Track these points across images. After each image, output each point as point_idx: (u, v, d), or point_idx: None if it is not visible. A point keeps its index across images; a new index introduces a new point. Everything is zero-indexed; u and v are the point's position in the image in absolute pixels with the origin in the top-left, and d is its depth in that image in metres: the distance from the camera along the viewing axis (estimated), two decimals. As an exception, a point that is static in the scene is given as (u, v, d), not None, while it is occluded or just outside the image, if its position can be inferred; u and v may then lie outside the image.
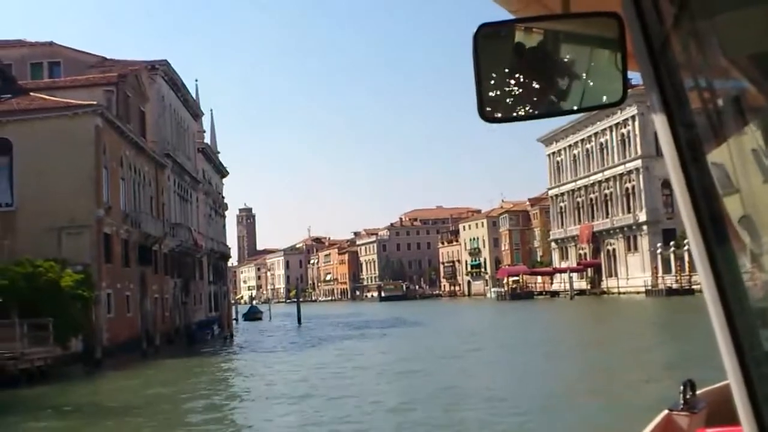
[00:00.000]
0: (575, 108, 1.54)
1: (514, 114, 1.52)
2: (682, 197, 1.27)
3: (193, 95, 66.49)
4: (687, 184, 1.26)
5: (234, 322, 65.46)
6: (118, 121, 41.06)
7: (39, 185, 35.80)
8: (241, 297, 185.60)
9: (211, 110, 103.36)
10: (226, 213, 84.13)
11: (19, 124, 36.81)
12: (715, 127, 1.33)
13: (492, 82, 1.53)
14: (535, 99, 1.51)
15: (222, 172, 79.99)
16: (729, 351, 1.22)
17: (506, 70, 1.53)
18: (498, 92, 1.52)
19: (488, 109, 1.52)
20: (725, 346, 1.22)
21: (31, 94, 39.16)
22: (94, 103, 37.98)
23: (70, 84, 41.77)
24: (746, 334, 1.23)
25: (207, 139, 73.68)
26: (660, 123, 1.28)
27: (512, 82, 1.52)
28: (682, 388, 4.12)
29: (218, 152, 77.55)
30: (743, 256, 1.34)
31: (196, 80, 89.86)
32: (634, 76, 1.54)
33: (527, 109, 1.51)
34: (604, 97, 1.53)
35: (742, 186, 1.34)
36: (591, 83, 1.52)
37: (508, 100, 1.51)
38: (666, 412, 4.13)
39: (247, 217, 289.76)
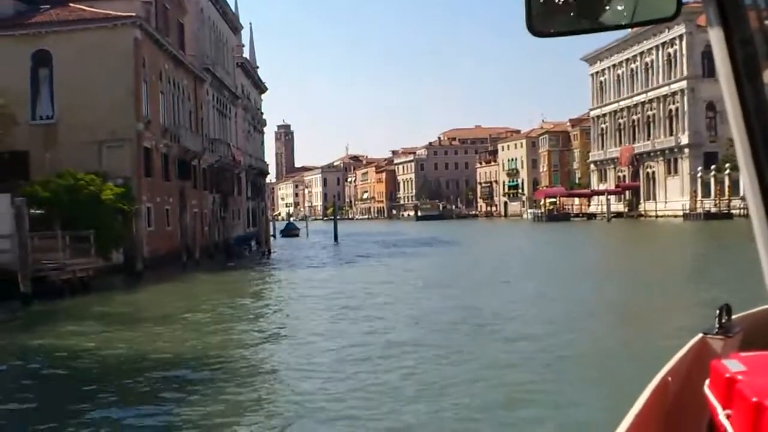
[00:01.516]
0: (626, 22, 1.47)
1: (563, 28, 1.46)
2: (734, 116, 1.22)
3: (232, 8, 65.89)
4: (741, 103, 1.22)
5: (272, 237, 66.21)
6: (157, 34, 40.93)
7: (79, 98, 36.04)
8: (279, 213, 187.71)
9: (251, 24, 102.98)
10: (265, 129, 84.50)
11: (58, 35, 36.88)
12: None
13: None
14: (585, 12, 1.43)
15: (261, 87, 79.84)
16: None
17: None
18: (547, 5, 1.44)
19: (536, 22, 1.45)
20: None
21: (70, 4, 39.01)
22: (133, 14, 37.79)
23: (109, -5, 41.51)
24: None
25: (246, 54, 73.31)
26: (716, 38, 1.22)
27: None
28: (717, 312, 4.08)
29: (257, 67, 77.25)
30: None
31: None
32: None
33: (577, 22, 1.44)
34: (657, 12, 1.44)
35: None
36: None
37: (557, 13, 1.44)
38: (700, 335, 4.09)
39: (286, 134, 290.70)
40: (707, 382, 3.03)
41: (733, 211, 64.45)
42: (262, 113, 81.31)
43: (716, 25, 1.22)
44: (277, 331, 19.07)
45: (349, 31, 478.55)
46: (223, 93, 58.76)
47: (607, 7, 1.42)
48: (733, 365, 2.88)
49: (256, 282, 34.47)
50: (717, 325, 3.96)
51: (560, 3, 1.43)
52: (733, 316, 4.13)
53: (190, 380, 13.30)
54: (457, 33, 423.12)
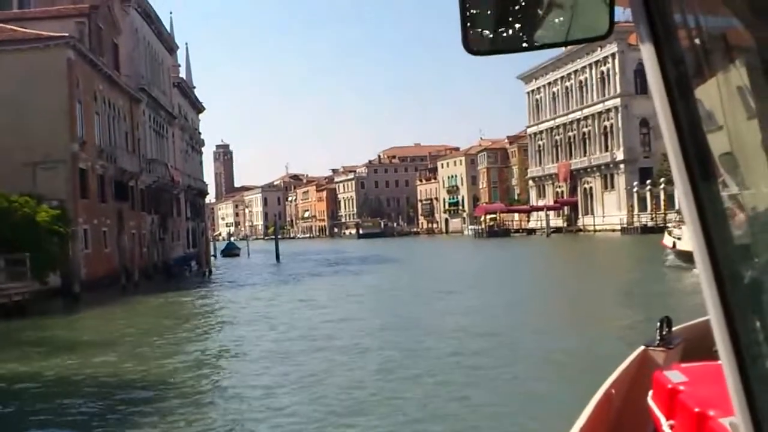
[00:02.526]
0: (561, 40, 1.50)
1: (499, 46, 1.48)
2: (668, 133, 1.25)
3: (168, 28, 65.23)
4: (674, 119, 1.25)
5: (212, 258, 65.48)
6: (91, 54, 40.32)
7: (11, 119, 35.26)
8: (219, 234, 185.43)
9: (186, 44, 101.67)
10: (203, 149, 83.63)
11: (-11, 56, 36.00)
12: (703, 64, 1.32)
13: (476, 11, 1.49)
14: (520, 31, 1.46)
15: (198, 107, 79.08)
16: (710, 285, 1.22)
17: (491, 1, 1.50)
18: (483, 23, 1.48)
19: (472, 40, 1.48)
20: (706, 279, 1.22)
21: (1, 25, 38.17)
22: (66, 35, 37.18)
23: (41, 15, 40.85)
24: (728, 268, 1.24)
25: (182, 74, 72.60)
26: (648, 58, 1.26)
27: (497, 13, 1.49)
28: (658, 324, 4.18)
29: (194, 87, 76.51)
30: (726, 192, 1.34)
31: (171, 13, 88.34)
32: (617, 11, 1.52)
33: (512, 41, 1.47)
34: (590, 31, 1.48)
35: (727, 123, 1.34)
36: (577, 16, 1.49)
37: (492, 32, 1.47)
38: (642, 348, 4.19)
39: (224, 154, 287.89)
40: (650, 393, 3.14)
41: (669, 225, 66.04)
42: (200, 133, 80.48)
43: (648, 44, 1.25)
44: (216, 354, 18.90)
45: (285, 50, 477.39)
46: (159, 113, 58.02)
47: (542, 26, 1.46)
48: (674, 376, 2.99)
49: (196, 304, 34.02)
50: (658, 337, 4.07)
51: (496, 21, 1.46)
52: (674, 328, 4.26)
53: (128, 404, 13.09)
54: (394, 51, 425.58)
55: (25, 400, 13.92)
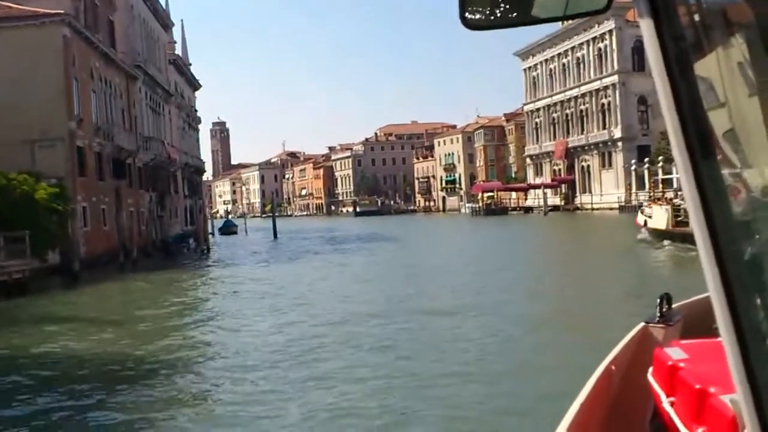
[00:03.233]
0: (559, 15, 1.50)
1: (497, 21, 1.47)
2: (668, 110, 1.24)
3: (163, 5, 64.80)
4: (674, 97, 1.24)
5: (210, 236, 65.47)
6: (87, 31, 40.11)
7: (8, 97, 35.11)
8: (217, 211, 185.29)
9: (182, 21, 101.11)
10: (200, 127, 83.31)
11: (-15, 33, 35.77)
12: (703, 40, 1.31)
13: None
14: (518, 5, 1.48)
15: (194, 84, 78.72)
16: (710, 262, 1.23)
17: None
18: None
19: (469, 15, 1.48)
20: (706, 257, 1.23)
21: (-3, 2, 37.89)
22: (62, 12, 36.94)
23: (37, -8, 40.43)
24: (728, 245, 1.24)
25: (178, 51, 72.21)
26: (648, 33, 1.24)
27: None
28: (658, 301, 4.18)
29: (190, 64, 76.13)
30: (727, 170, 1.33)
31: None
32: None
33: (510, 15, 1.47)
34: (588, 5, 1.50)
35: (728, 99, 1.34)
36: None
37: (490, 6, 1.47)
38: (642, 324, 4.20)
39: (221, 131, 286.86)
40: (650, 370, 3.16)
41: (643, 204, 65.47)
42: (196, 111, 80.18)
43: (647, 19, 1.23)
44: (215, 330, 18.94)
45: (282, 27, 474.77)
46: (156, 91, 57.77)
47: (540, 1, 1.47)
48: (675, 353, 3.01)
49: (194, 281, 34.08)
50: (658, 314, 4.09)
51: None
52: (674, 305, 4.27)
53: (127, 380, 13.16)
54: (391, 28, 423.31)
55: (26, 375, 13.99)
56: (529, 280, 25.90)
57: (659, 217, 38.05)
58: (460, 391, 11.12)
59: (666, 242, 35.41)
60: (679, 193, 38.41)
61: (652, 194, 41.64)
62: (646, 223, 39.37)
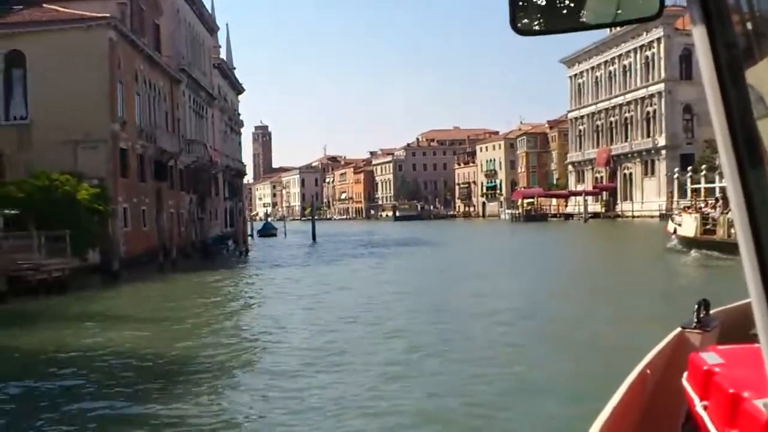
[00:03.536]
0: (609, 21, 1.51)
1: (546, 26, 1.49)
2: (717, 118, 1.24)
3: (209, 9, 65.61)
4: (724, 104, 1.23)
5: (249, 238, 66.07)
6: (132, 35, 40.74)
7: (54, 99, 35.81)
8: (256, 214, 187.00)
9: (227, 25, 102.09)
10: (242, 130, 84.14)
11: (32, 35, 36.58)
12: (755, 48, 1.30)
13: None
14: (568, 11, 1.47)
15: (238, 88, 79.54)
16: (753, 269, 1.22)
17: None
18: (531, 3, 1.49)
19: (520, 20, 1.49)
20: (749, 264, 1.22)
21: (44, 5, 38.70)
22: (108, 15, 37.58)
23: (84, -5, 41.22)
24: None
25: (222, 55, 73.00)
26: (700, 40, 1.23)
27: None
28: (696, 306, 4.18)
29: (234, 68, 76.92)
30: None
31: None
32: None
33: (560, 21, 1.48)
34: (639, 11, 1.49)
35: None
36: None
37: (540, 12, 1.48)
38: (679, 329, 4.19)
39: (263, 135, 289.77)
40: (685, 374, 3.13)
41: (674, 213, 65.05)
42: (239, 114, 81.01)
43: (700, 25, 1.23)
44: (251, 332, 19.09)
45: (325, 32, 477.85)
46: (199, 94, 58.51)
47: (590, 6, 1.46)
48: (710, 358, 2.97)
49: (233, 282, 34.40)
50: (695, 320, 4.07)
51: (544, 2, 1.47)
52: (711, 311, 4.24)
53: (165, 378, 13.30)
54: (436, 34, 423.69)
55: (66, 372, 14.23)
56: (560, 283, 26.86)
57: (688, 226, 38.61)
58: (489, 389, 11.06)
59: (693, 250, 35.93)
60: (710, 201, 39.22)
61: (693, 202, 41.51)
62: (675, 231, 40.24)
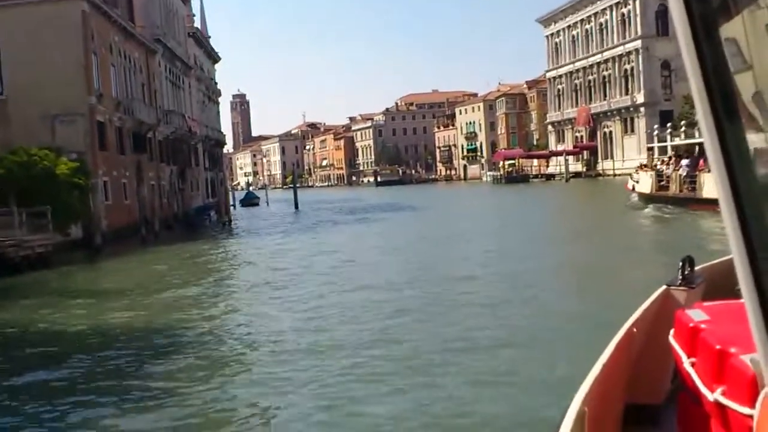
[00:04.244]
0: None
1: None
2: (693, 74, 1.24)
3: (181, -23, 64.57)
4: (699, 61, 1.23)
5: (231, 208, 65.84)
6: (105, 6, 40.09)
7: (29, 74, 35.33)
8: (238, 183, 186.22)
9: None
10: (220, 99, 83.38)
11: (3, 10, 35.90)
12: (729, 2, 1.30)
13: None
14: None
15: (214, 57, 78.66)
16: (733, 224, 1.23)
17: None
18: None
19: None
20: (730, 220, 1.24)
21: (13, -22, 37.91)
22: (80, -14, 36.90)
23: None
24: (751, 209, 1.24)
25: (197, 24, 72.06)
26: None
27: None
28: (680, 263, 4.20)
29: (209, 37, 76.01)
30: (752, 133, 1.33)
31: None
32: None
33: None
34: None
35: (754, 62, 1.32)
36: None
37: None
38: (664, 287, 4.21)
39: (241, 104, 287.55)
40: (672, 331, 3.17)
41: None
42: (216, 83, 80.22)
43: None
44: (242, 300, 19.09)
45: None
46: (175, 64, 57.83)
47: None
48: (696, 315, 3.01)
49: (216, 252, 34.34)
50: (680, 277, 4.10)
51: None
52: (696, 268, 4.28)
53: (155, 352, 13.30)
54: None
55: (52, 347, 14.21)
56: (530, 240, 28.79)
57: (645, 182, 40.65)
58: (479, 346, 11.18)
59: (650, 206, 37.98)
60: (664, 159, 41.32)
61: (670, 159, 42.11)
62: (633, 188, 42.27)
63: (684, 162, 37.13)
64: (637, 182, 42.05)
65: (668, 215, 33.94)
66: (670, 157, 40.47)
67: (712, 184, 32.69)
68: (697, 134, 36.80)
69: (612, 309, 13.00)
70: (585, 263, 21.25)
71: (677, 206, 34.94)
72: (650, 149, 47.67)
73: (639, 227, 32.90)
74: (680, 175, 36.64)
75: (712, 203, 30.72)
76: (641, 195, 40.72)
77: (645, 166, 43.97)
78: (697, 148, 37.30)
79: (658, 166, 40.66)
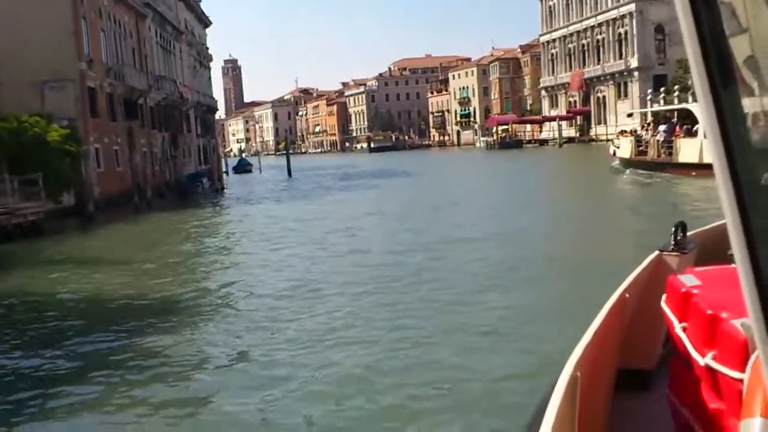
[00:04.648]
0: None
1: None
2: (689, 37, 1.23)
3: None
4: (695, 23, 1.22)
5: (224, 174, 65.71)
6: (94, -31, 39.57)
7: (17, 40, 34.89)
8: (230, 150, 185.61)
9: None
10: (211, 65, 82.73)
11: (-10, -26, 35.40)
12: None
13: None
14: None
15: (205, 21, 77.90)
16: (727, 189, 1.23)
17: None
18: None
19: None
20: (723, 184, 1.23)
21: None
22: (67, -51, 36.37)
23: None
24: (745, 173, 1.24)
25: (187, -13, 71.21)
26: None
27: None
28: (673, 229, 4.20)
29: (200, 0, 75.20)
30: (747, 97, 1.33)
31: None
32: None
33: None
34: None
35: (750, 26, 1.31)
36: None
37: None
38: (657, 252, 4.22)
39: (233, 69, 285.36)
40: (664, 297, 3.17)
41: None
42: (207, 48, 79.54)
43: None
44: (235, 268, 19.09)
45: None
46: (165, 28, 57.26)
47: None
48: (688, 280, 3.01)
49: (209, 219, 34.32)
50: (672, 242, 4.10)
51: None
52: (688, 233, 4.28)
53: (148, 320, 13.29)
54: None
55: (47, 314, 14.21)
56: (518, 203, 30.11)
57: (624, 148, 42.71)
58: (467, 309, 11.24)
59: (629, 170, 39.96)
60: (644, 125, 43.83)
61: (648, 124, 44.06)
62: (614, 153, 44.26)
63: (661, 128, 38.52)
64: (618, 147, 43.74)
65: (647, 179, 35.39)
66: (648, 123, 42.29)
67: (687, 149, 34.35)
68: (690, 99, 36.91)
69: (581, 255, 16.73)
70: (562, 223, 23.16)
71: (655, 171, 36.48)
72: (630, 115, 50.60)
73: (619, 191, 35.18)
74: (658, 141, 37.96)
75: (688, 167, 32.97)
76: (622, 160, 42.29)
77: (625, 131, 45.75)
78: (676, 114, 38.96)
79: (638, 132, 42.52)
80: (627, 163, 41.34)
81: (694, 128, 34.02)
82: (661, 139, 37.67)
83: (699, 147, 31.72)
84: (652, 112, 44.35)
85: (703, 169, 29.50)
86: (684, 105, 38.45)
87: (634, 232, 19.29)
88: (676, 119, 38.17)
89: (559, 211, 26.24)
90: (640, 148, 40.28)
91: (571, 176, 47.64)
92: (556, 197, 32.44)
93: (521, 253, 17.30)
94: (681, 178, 32.33)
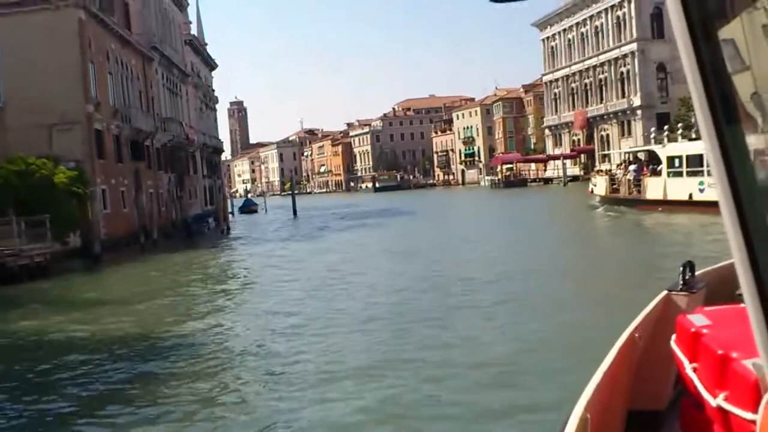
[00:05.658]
0: None
1: None
2: (692, 75, 1.23)
3: (178, -15, 64.61)
4: (698, 62, 1.22)
5: (230, 215, 65.76)
6: (101, 13, 40.12)
7: (26, 82, 35.30)
8: (236, 190, 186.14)
9: (197, 0, 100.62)
10: (217, 107, 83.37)
11: (0, 18, 35.89)
12: (726, 3, 1.30)
13: None
14: None
15: (211, 64, 78.66)
16: (734, 228, 1.22)
17: None
18: None
19: None
20: (731, 223, 1.22)
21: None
22: (76, -6, 36.94)
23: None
24: (752, 212, 1.23)
25: (194, 31, 72.05)
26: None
27: None
28: (681, 269, 4.17)
29: (206, 44, 76.02)
30: (751, 135, 1.32)
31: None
32: None
33: None
34: None
35: (752, 63, 1.31)
36: None
37: None
38: (665, 292, 4.18)
39: (239, 111, 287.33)
40: (673, 337, 3.15)
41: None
42: (213, 90, 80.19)
43: None
44: (242, 311, 19.01)
45: (295, 4, 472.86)
46: (172, 71, 57.82)
47: None
48: (698, 320, 2.99)
49: (214, 260, 34.30)
50: (681, 282, 4.07)
51: None
52: (697, 272, 4.26)
53: (153, 362, 13.25)
54: (408, 3, 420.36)
55: (49, 357, 14.15)
56: (514, 237, 32.62)
57: (600, 186, 45.60)
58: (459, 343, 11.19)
59: (604, 206, 43.12)
60: (618, 164, 46.99)
61: (621, 164, 47.07)
62: (592, 191, 47.49)
63: (631, 167, 41.80)
64: (595, 185, 47.04)
65: (618, 214, 39.09)
66: (620, 163, 45.76)
67: (654, 187, 37.34)
68: (693, 136, 37.00)
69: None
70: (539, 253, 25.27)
71: (626, 206, 40.17)
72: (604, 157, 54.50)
73: (591, 223, 39.19)
74: (629, 180, 41.28)
75: (655, 203, 36.82)
76: (599, 197, 45.56)
77: (601, 171, 49.44)
78: (645, 154, 42.29)
79: (612, 171, 46.06)
80: (603, 200, 44.55)
81: (659, 167, 38.08)
82: (631, 177, 40.92)
83: (663, 185, 37.01)
84: (624, 153, 48.18)
85: (667, 204, 35.91)
86: (649, 147, 42.28)
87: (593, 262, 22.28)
88: (646, 159, 41.45)
89: (537, 244, 28.85)
90: (614, 186, 43.45)
91: (557, 213, 50.50)
92: (540, 232, 34.88)
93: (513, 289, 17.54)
94: (648, 213, 36.65)
